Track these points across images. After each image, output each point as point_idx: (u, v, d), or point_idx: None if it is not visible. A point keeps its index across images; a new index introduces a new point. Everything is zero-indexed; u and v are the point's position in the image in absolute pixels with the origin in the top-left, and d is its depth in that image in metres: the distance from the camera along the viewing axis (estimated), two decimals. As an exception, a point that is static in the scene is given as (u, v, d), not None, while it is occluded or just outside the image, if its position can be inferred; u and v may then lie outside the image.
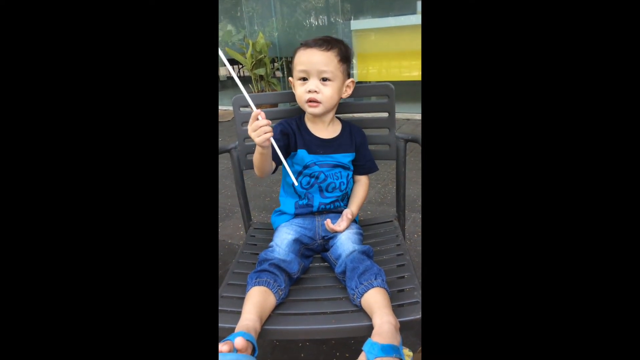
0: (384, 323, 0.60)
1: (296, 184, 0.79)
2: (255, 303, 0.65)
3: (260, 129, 0.66)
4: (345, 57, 0.81)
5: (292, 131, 0.86)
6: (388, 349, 0.55)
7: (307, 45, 0.80)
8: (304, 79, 0.81)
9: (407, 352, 0.60)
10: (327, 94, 0.80)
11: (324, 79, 0.79)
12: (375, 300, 0.64)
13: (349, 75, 0.83)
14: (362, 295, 0.66)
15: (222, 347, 0.54)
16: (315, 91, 0.79)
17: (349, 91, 0.85)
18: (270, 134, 0.67)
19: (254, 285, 0.69)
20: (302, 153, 0.85)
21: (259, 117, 0.67)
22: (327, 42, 0.80)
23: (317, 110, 0.82)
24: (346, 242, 0.78)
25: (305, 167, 0.86)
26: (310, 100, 0.80)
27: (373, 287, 0.66)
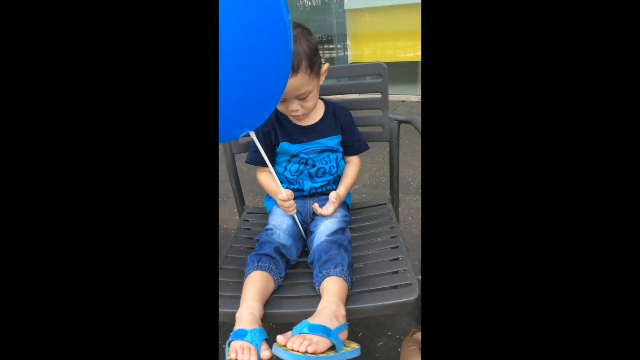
0: (323, 308, 0.60)
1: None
2: (259, 289, 0.65)
3: (289, 207, 0.78)
4: (313, 60, 0.74)
5: (271, 127, 0.84)
6: (315, 328, 0.55)
7: None
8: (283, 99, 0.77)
9: (353, 345, 0.59)
10: (309, 105, 0.79)
11: (303, 97, 0.76)
12: (326, 288, 0.64)
13: (320, 65, 0.78)
14: (320, 283, 0.66)
15: (252, 357, 0.54)
16: (298, 109, 0.77)
17: (325, 74, 0.81)
18: (294, 212, 0.79)
19: (256, 269, 0.68)
20: (284, 145, 0.84)
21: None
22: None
23: (303, 119, 0.82)
24: (322, 232, 0.77)
25: (293, 156, 0.85)
26: (294, 115, 0.80)
27: (330, 275, 0.65)
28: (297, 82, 0.72)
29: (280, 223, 0.80)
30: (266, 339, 0.58)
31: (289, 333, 0.57)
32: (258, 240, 0.77)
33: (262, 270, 0.68)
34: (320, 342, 0.54)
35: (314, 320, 0.57)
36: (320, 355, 0.53)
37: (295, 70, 0.71)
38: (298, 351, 0.52)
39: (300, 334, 0.55)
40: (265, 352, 0.55)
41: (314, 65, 0.74)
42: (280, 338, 0.55)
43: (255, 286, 0.65)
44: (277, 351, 0.54)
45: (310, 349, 0.52)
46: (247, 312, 0.60)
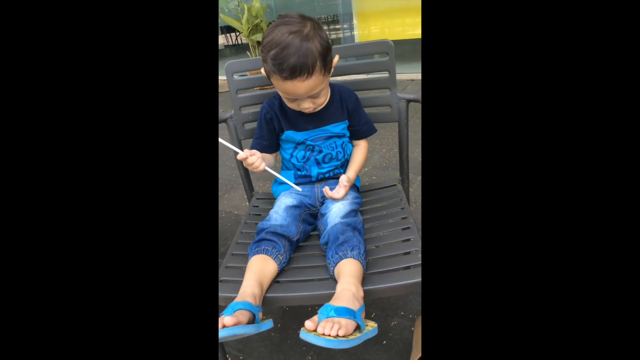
0: (343, 290, 0.59)
1: (297, 188, 0.82)
2: (254, 270, 0.66)
3: (251, 165, 0.75)
4: (327, 59, 0.71)
5: (274, 114, 0.82)
6: (341, 311, 0.55)
7: (282, 75, 0.68)
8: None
9: (371, 324, 0.59)
10: (321, 101, 0.77)
11: (315, 96, 0.74)
12: (343, 270, 0.63)
13: (331, 60, 0.75)
14: (336, 264, 0.66)
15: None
16: (310, 106, 0.76)
17: (334, 66, 0.78)
18: (263, 166, 0.76)
19: (254, 255, 0.69)
20: (289, 134, 0.83)
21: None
22: (305, 66, 0.67)
23: (314, 111, 0.80)
24: (335, 213, 0.76)
25: (299, 144, 0.83)
26: (306, 112, 0.78)
27: (347, 257, 0.65)
28: (312, 83, 0.70)
29: (279, 207, 0.79)
30: (246, 309, 0.58)
31: (316, 317, 0.56)
32: (257, 230, 0.77)
33: (259, 254, 0.68)
34: (349, 325, 0.54)
35: (337, 302, 0.57)
36: (350, 337, 0.54)
37: (309, 72, 0.68)
38: (329, 335, 0.52)
39: (327, 317, 0.55)
40: (227, 318, 0.54)
41: (327, 65, 0.72)
42: (308, 323, 0.55)
43: (251, 269, 0.66)
44: (307, 336, 0.53)
45: (341, 333, 0.52)
46: (240, 293, 0.62)
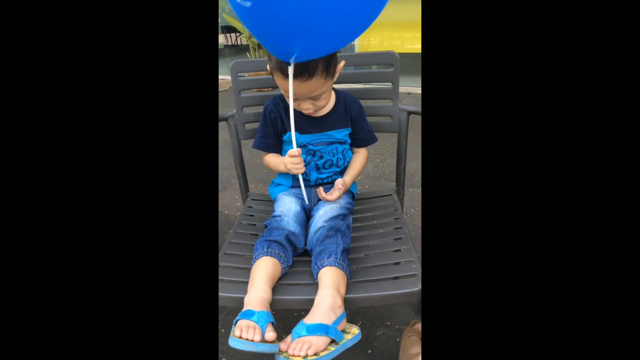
0: (318, 304, 0.60)
1: (306, 201, 0.82)
2: (269, 274, 0.65)
3: (298, 164, 0.76)
4: (330, 64, 0.71)
5: (279, 114, 0.83)
6: (313, 328, 0.56)
7: (283, 73, 0.69)
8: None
9: (353, 331, 0.60)
10: (322, 103, 0.78)
11: (316, 98, 0.75)
12: (321, 279, 0.64)
13: (336, 64, 0.75)
14: (317, 274, 0.66)
15: (255, 336, 0.53)
16: (310, 107, 0.77)
17: (339, 71, 0.79)
18: (303, 170, 0.78)
19: (265, 255, 0.67)
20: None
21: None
22: (306, 68, 0.67)
23: (316, 114, 0.80)
24: (320, 217, 0.76)
25: (300, 146, 0.84)
26: (306, 113, 0.79)
27: (324, 266, 0.65)
28: (312, 86, 0.71)
29: (288, 210, 0.79)
30: (272, 322, 0.58)
31: (289, 338, 0.57)
32: (267, 225, 0.76)
33: (271, 256, 0.67)
34: (320, 341, 0.55)
35: (310, 319, 0.57)
36: (322, 354, 0.54)
37: (310, 74, 0.69)
38: (299, 356, 0.53)
39: (299, 337, 0.55)
40: (270, 334, 0.55)
41: (330, 69, 0.72)
42: (282, 345, 0.56)
43: (265, 271, 0.65)
44: (279, 359, 0.55)
45: (310, 352, 0.53)
46: (255, 296, 0.60)
